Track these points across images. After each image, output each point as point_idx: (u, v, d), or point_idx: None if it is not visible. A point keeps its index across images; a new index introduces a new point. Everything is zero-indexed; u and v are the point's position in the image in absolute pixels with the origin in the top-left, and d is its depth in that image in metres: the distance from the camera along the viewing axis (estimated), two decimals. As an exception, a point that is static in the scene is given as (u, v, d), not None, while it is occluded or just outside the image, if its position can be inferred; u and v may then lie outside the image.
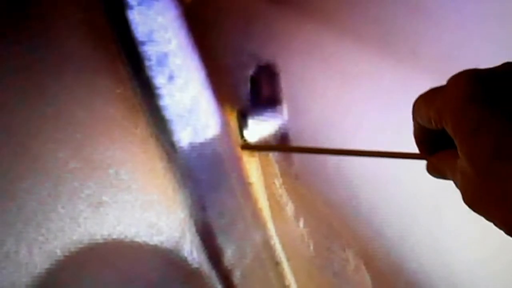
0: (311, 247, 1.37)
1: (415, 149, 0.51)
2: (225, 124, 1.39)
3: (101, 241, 1.23)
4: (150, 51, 1.28)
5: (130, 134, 1.29)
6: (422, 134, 0.50)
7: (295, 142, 1.31)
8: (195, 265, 1.35)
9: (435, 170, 0.50)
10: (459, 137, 0.41)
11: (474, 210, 0.42)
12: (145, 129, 1.30)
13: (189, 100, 1.32)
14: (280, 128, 1.33)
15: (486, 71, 0.42)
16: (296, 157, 1.32)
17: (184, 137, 1.32)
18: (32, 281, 1.16)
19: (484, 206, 0.41)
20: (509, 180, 0.37)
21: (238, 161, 1.41)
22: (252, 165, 1.44)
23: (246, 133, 1.36)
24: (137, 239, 1.28)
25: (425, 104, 0.46)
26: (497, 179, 0.38)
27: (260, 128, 1.35)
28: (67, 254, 1.19)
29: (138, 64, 1.29)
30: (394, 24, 0.89)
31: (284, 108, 1.30)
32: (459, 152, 0.41)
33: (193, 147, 1.33)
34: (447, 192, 0.90)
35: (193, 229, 1.35)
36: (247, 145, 0.50)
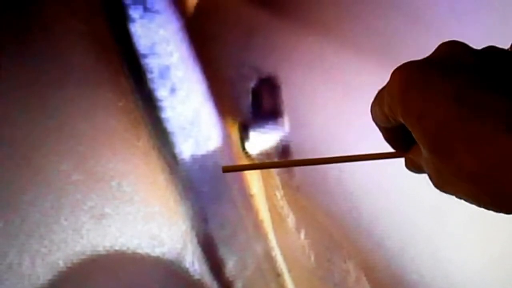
0: (312, 259, 1.37)
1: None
2: (226, 136, 1.39)
3: (103, 252, 1.24)
4: (152, 63, 1.29)
5: (132, 146, 1.29)
6: (390, 135, 0.51)
7: (296, 154, 1.32)
8: (197, 276, 1.35)
9: (413, 166, 0.50)
10: (410, 125, 0.42)
11: (443, 191, 0.44)
12: (147, 142, 1.31)
13: (191, 113, 1.33)
14: (281, 140, 1.34)
15: (423, 59, 0.44)
16: (297, 169, 1.33)
17: (185, 149, 1.33)
18: (34, 292, 1.16)
19: (447, 184, 0.42)
20: (456, 154, 0.38)
21: (239, 173, 1.41)
22: (253, 176, 1.44)
23: (247, 145, 1.37)
24: (139, 251, 1.28)
25: (378, 105, 0.47)
26: (448, 156, 0.39)
27: (261, 140, 1.35)
28: (69, 265, 1.19)
29: (140, 77, 1.29)
30: (395, 35, 0.90)
31: (286, 120, 1.31)
32: (416, 140, 0.43)
33: (194, 159, 1.34)
34: (447, 204, 0.90)
35: (195, 241, 1.35)
36: (228, 168, 0.51)
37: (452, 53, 0.43)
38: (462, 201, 0.42)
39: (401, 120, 0.43)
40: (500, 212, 0.39)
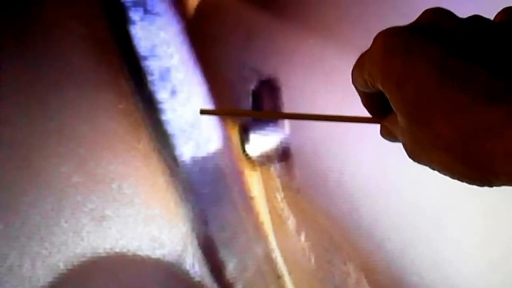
0: (312, 261, 1.37)
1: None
2: (227, 139, 1.39)
3: (104, 254, 1.24)
4: (152, 66, 1.29)
5: (133, 148, 1.29)
6: (368, 101, 0.50)
7: (296, 156, 1.31)
8: (197, 278, 1.35)
9: (388, 134, 0.50)
10: (388, 92, 0.42)
11: (417, 161, 0.43)
12: (148, 144, 1.31)
13: (191, 115, 1.33)
14: (281, 142, 1.34)
15: (407, 25, 0.43)
16: (298, 171, 1.33)
17: (186, 151, 1.33)
18: (35, 294, 1.16)
19: (422, 153, 0.41)
20: (434, 122, 0.38)
21: (239, 175, 1.41)
22: (253, 179, 1.44)
23: (248, 147, 1.37)
24: (140, 253, 1.28)
25: (358, 69, 0.47)
26: (424, 123, 0.39)
27: (261, 142, 1.35)
28: (70, 267, 1.19)
29: (140, 79, 1.29)
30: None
31: (286, 122, 1.31)
32: (393, 108, 0.42)
33: (195, 161, 1.34)
34: (448, 205, 0.90)
35: (195, 243, 1.35)
36: (205, 111, 0.50)
37: (436, 20, 0.42)
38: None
39: (380, 87, 0.43)
40: (473, 183, 0.38)
